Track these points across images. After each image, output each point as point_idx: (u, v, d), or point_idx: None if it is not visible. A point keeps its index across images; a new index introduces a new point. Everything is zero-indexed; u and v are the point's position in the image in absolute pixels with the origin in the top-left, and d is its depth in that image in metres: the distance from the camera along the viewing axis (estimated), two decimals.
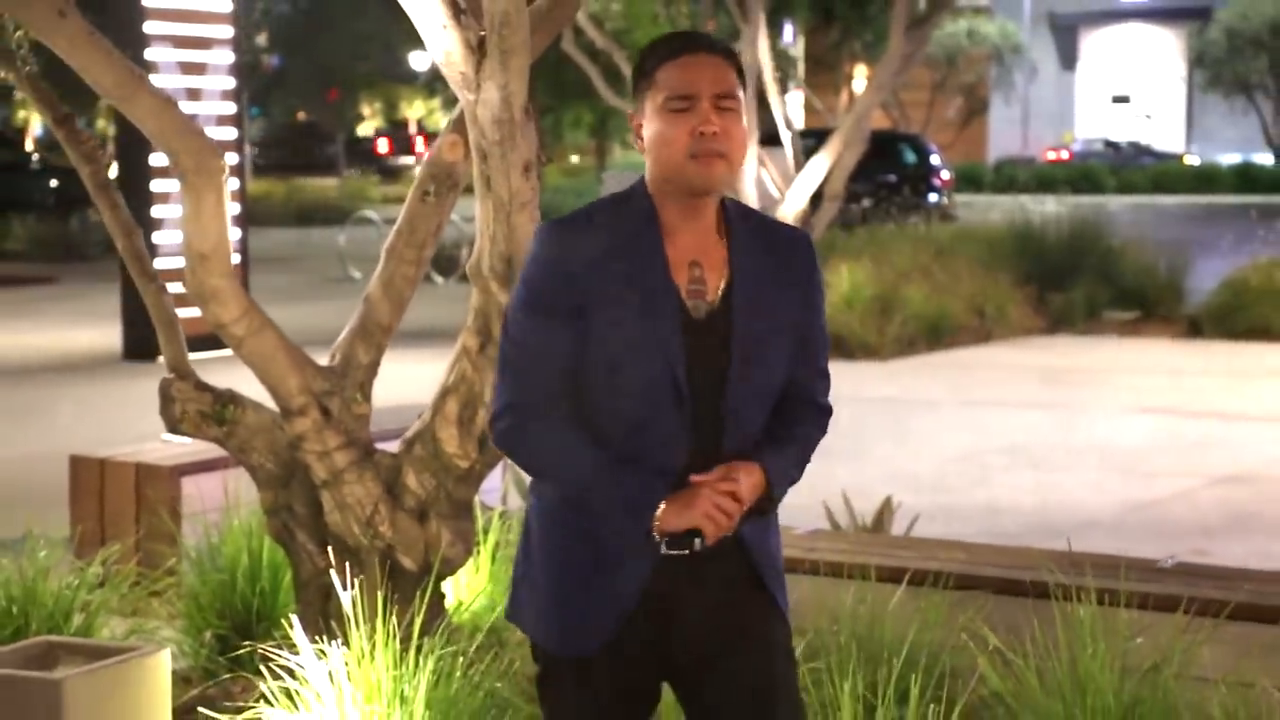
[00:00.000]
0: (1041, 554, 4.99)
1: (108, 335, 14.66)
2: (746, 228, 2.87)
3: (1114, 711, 3.95)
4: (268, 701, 4.12)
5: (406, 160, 52.74)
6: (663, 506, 2.74)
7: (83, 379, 13.09)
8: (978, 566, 4.88)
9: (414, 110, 49.56)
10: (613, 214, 2.83)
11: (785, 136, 16.67)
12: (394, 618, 4.13)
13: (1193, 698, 4.03)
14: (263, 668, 4.21)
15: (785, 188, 15.82)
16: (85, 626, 5.07)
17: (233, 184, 13.32)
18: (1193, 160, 45.11)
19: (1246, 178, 40.21)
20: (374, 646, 4.04)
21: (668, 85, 2.77)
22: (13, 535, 6.14)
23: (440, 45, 4.30)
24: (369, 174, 45.14)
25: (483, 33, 4.24)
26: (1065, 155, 45.74)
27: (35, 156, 32.60)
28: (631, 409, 2.78)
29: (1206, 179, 40.83)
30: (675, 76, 2.77)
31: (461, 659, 4.19)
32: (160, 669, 4.03)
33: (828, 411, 2.96)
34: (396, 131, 55.90)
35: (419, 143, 52.42)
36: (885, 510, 6.70)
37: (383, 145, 55.40)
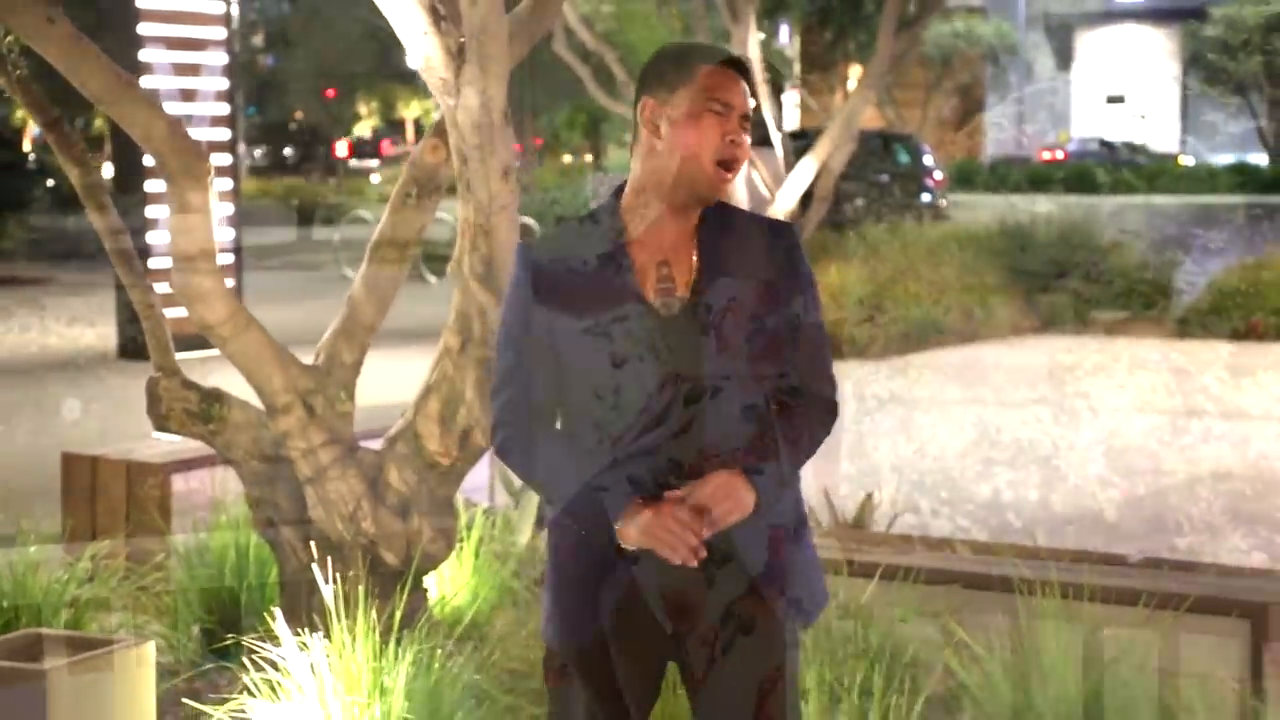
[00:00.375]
0: (1009, 549, 5.08)
1: (102, 334, 14.75)
2: (723, 225, 2.92)
3: (1075, 702, 4.03)
4: (250, 693, 4.20)
5: (369, 163, 52.49)
6: (620, 522, 2.79)
7: (78, 377, 13.16)
8: (948, 561, 4.97)
9: (410, 110, 49.47)
10: (584, 228, 2.93)
11: (775, 137, 16.73)
12: (375, 611, 4.22)
13: (1152, 689, 4.12)
14: (246, 660, 4.29)
15: (776, 188, 15.88)
16: (74, 620, 5.14)
17: (227, 184, 13.44)
18: (1187, 160, 45.10)
19: (1241, 178, 40.23)
20: (355, 639, 4.12)
21: (714, 87, 2.86)
22: (5, 531, 6.22)
23: (421, 51, 4.39)
24: (329, 178, 45.04)
25: (462, 39, 4.32)
26: (1060, 155, 45.74)
27: (32, 156, 32.67)
28: (614, 413, 2.84)
29: (1201, 179, 40.82)
30: (721, 83, 2.87)
31: (440, 651, 4.28)
32: (145, 661, 4.10)
33: (832, 406, 2.97)
34: (391, 131, 55.70)
35: (384, 146, 52.19)
36: (866, 507, 6.78)
37: (341, 149, 55.04)
